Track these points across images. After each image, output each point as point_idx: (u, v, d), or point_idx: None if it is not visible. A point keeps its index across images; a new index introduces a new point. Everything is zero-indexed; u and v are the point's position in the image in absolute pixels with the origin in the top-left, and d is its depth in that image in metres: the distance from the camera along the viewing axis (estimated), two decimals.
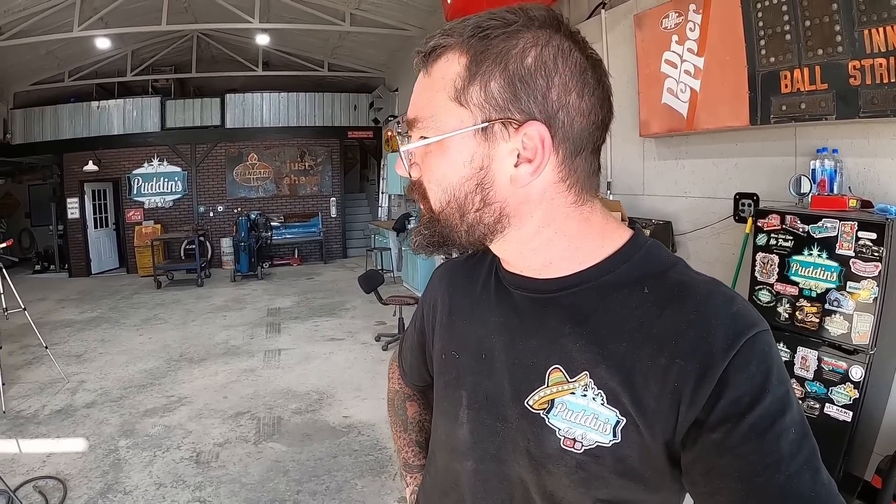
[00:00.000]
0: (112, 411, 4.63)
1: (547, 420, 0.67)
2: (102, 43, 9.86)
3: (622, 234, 0.71)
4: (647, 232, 3.92)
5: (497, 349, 0.74)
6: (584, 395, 0.65)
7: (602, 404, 0.64)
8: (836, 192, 2.82)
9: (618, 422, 0.63)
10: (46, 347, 5.41)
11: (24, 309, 5.21)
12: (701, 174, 3.85)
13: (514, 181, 0.64)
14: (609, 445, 0.63)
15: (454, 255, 0.80)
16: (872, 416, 2.64)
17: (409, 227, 9.33)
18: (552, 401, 0.67)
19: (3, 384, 4.83)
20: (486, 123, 0.62)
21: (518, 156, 0.63)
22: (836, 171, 2.85)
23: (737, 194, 3.50)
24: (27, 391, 5.16)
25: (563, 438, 0.66)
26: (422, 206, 0.71)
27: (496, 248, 0.72)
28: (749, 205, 3.42)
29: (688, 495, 0.67)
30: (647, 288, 0.65)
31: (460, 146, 0.64)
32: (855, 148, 2.87)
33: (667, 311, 0.63)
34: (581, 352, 0.66)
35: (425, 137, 0.65)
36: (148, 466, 3.64)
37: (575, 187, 0.66)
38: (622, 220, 3.98)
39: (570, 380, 0.66)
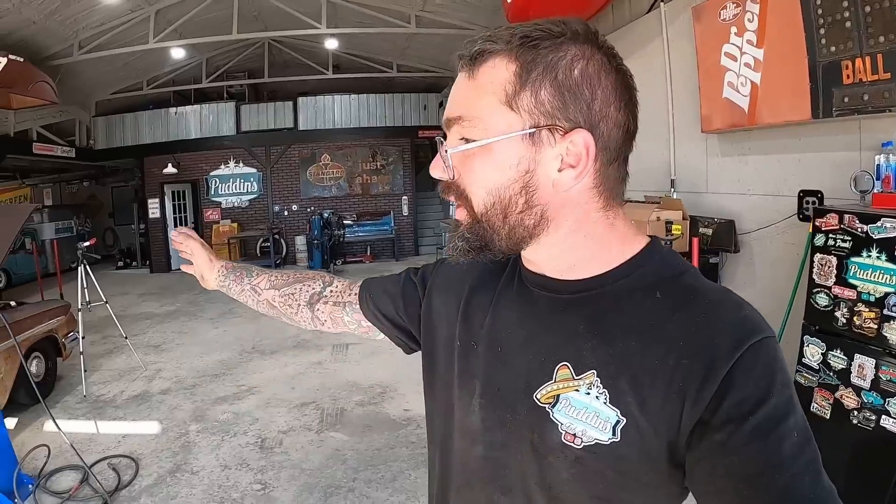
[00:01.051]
0: (185, 398, 4.98)
1: (551, 414, 0.70)
2: (177, 53, 10.51)
3: (640, 241, 0.74)
4: (710, 231, 3.83)
5: (513, 343, 0.77)
6: (588, 393, 0.67)
7: (605, 403, 0.66)
8: None
9: (618, 421, 0.65)
10: (126, 338, 5.85)
11: (106, 302, 5.68)
12: (764, 171, 3.70)
13: (556, 185, 0.67)
14: (608, 444, 0.65)
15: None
16: None
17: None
18: (557, 396, 0.70)
19: (85, 371, 5.28)
20: (535, 129, 0.65)
21: (561, 161, 0.66)
22: None
23: (801, 192, 3.33)
24: (107, 378, 5.61)
25: (564, 433, 0.68)
26: (459, 211, 0.73)
27: (528, 251, 0.74)
28: (813, 202, 3.26)
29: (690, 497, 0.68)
30: (660, 293, 0.68)
31: (508, 149, 0.66)
32: None
33: (677, 314, 0.65)
34: (591, 351, 0.68)
35: (467, 140, 0.68)
36: (215, 450, 3.91)
37: (605, 194, 0.69)
38: (683, 218, 3.90)
39: (575, 377, 0.69)
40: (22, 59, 7.76)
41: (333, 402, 4.75)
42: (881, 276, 2.35)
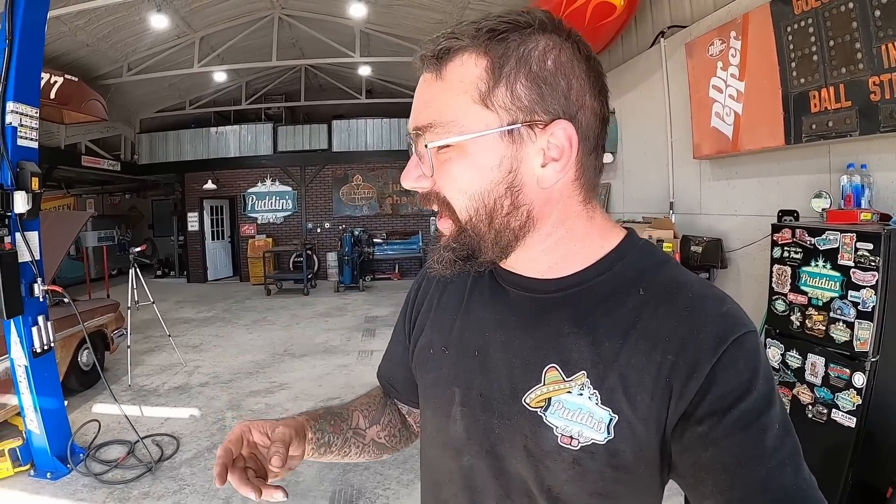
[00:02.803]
0: (222, 390, 5.45)
1: (544, 418, 0.68)
2: (219, 76, 11.31)
3: (618, 233, 0.74)
4: (700, 248, 4.13)
5: (492, 347, 0.75)
6: (581, 394, 0.66)
7: (597, 403, 0.65)
8: (862, 206, 2.93)
9: (612, 420, 0.65)
10: (170, 336, 6.37)
11: (153, 302, 6.22)
12: (749, 193, 4.00)
13: (540, 181, 0.65)
14: (604, 442, 0.65)
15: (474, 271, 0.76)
16: (894, 424, 2.70)
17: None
18: (549, 399, 0.69)
19: (130, 364, 5.81)
20: (515, 125, 0.63)
21: (544, 155, 0.64)
22: (862, 186, 2.96)
23: (779, 211, 3.62)
24: (150, 371, 6.14)
25: (560, 436, 0.67)
26: (441, 222, 0.70)
27: (512, 254, 0.70)
28: (791, 221, 3.54)
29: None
30: (643, 289, 0.68)
31: (487, 150, 0.63)
32: (883, 163, 2.98)
33: (660, 309, 0.66)
34: (579, 351, 0.67)
35: (448, 146, 0.65)
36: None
37: (585, 186, 0.69)
38: (674, 237, 4.21)
39: (566, 379, 0.68)
40: (76, 80, 8.44)
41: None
42: (827, 282, 2.64)
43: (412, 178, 0.69)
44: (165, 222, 15.41)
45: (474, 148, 0.63)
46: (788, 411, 2.81)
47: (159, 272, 14.75)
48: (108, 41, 8.79)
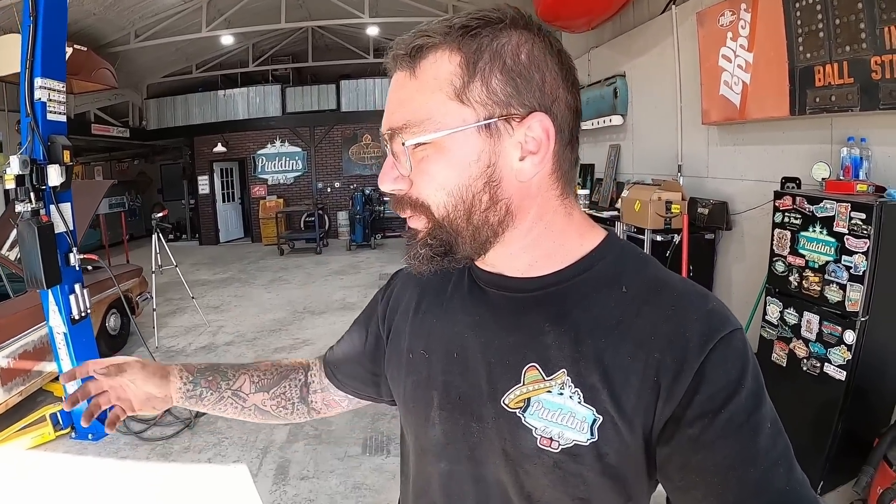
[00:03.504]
0: (248, 348, 5.79)
1: (523, 419, 0.67)
2: (227, 40, 11.38)
3: (598, 234, 0.73)
4: (706, 210, 4.36)
5: (471, 348, 0.74)
6: (561, 394, 0.65)
7: (579, 402, 0.64)
8: (861, 178, 3.15)
9: (595, 420, 0.63)
10: (193, 298, 6.68)
11: (176, 266, 6.49)
12: (754, 159, 4.20)
13: (518, 175, 0.64)
14: (587, 444, 0.64)
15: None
16: (882, 381, 2.95)
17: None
18: (528, 399, 0.67)
19: (156, 327, 6.12)
20: (492, 119, 0.62)
21: (521, 149, 0.64)
22: (861, 158, 3.16)
23: (783, 178, 3.83)
24: (175, 333, 6.46)
25: (539, 437, 0.66)
26: (414, 220, 0.69)
27: (491, 252, 0.70)
28: (793, 188, 3.76)
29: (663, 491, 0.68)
30: (626, 287, 0.67)
31: (465, 145, 0.63)
32: (882, 137, 3.16)
33: (644, 307, 0.65)
34: (559, 349, 0.66)
35: (423, 144, 0.64)
36: None
37: (562, 180, 0.68)
38: (682, 199, 4.44)
39: (546, 378, 0.66)
40: (85, 49, 8.46)
41: None
42: (823, 247, 2.90)
43: (390, 180, 0.67)
44: (175, 186, 15.65)
45: (452, 144, 0.63)
46: (785, 364, 3.13)
47: (171, 236, 15.04)
48: (115, 9, 8.82)
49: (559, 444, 0.65)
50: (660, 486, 0.68)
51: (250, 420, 1.02)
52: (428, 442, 0.78)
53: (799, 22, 3.44)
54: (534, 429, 0.66)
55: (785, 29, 3.53)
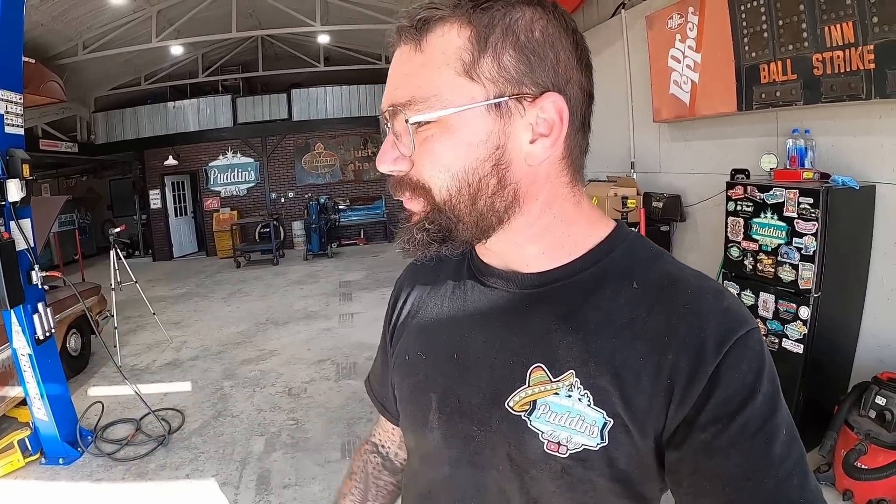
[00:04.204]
0: (214, 362, 5.70)
1: (529, 422, 0.64)
2: (176, 50, 11.15)
3: (607, 225, 0.70)
4: (661, 204, 4.55)
5: (473, 349, 0.71)
6: (569, 396, 0.62)
7: (589, 405, 0.61)
8: (806, 166, 3.37)
9: (605, 423, 0.61)
10: (154, 314, 6.51)
11: (136, 282, 6.33)
12: (704, 154, 4.43)
13: (528, 159, 0.61)
14: (597, 449, 0.61)
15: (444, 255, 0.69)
16: (837, 352, 3.18)
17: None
18: (534, 402, 0.64)
19: (119, 345, 5.93)
20: (503, 98, 0.58)
21: (532, 131, 0.60)
22: (805, 148, 3.38)
23: (732, 170, 4.04)
24: (137, 350, 6.27)
25: (546, 442, 0.63)
26: (412, 202, 0.64)
27: (495, 239, 0.65)
28: (741, 178, 3.98)
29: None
30: (637, 283, 0.64)
31: (473, 124, 0.59)
32: (824, 128, 3.37)
33: (657, 306, 0.62)
34: (567, 349, 0.63)
35: (420, 123, 0.59)
36: (249, 398, 4.65)
37: (571, 166, 0.65)
38: (637, 194, 4.62)
39: (553, 379, 0.63)
40: (34, 61, 8.17)
41: (346, 358, 5.50)
42: (774, 231, 3.10)
43: (389, 161, 0.63)
44: (125, 202, 15.13)
45: (459, 123, 0.58)
46: None
47: (124, 252, 14.52)
48: (62, 19, 8.55)
49: (567, 449, 0.62)
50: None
51: None
52: (428, 447, 0.75)
53: (744, 23, 3.65)
54: (540, 433, 0.63)
55: (731, 30, 3.74)
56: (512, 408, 0.65)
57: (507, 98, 0.58)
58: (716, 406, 0.56)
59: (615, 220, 0.72)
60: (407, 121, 0.59)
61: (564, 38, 0.61)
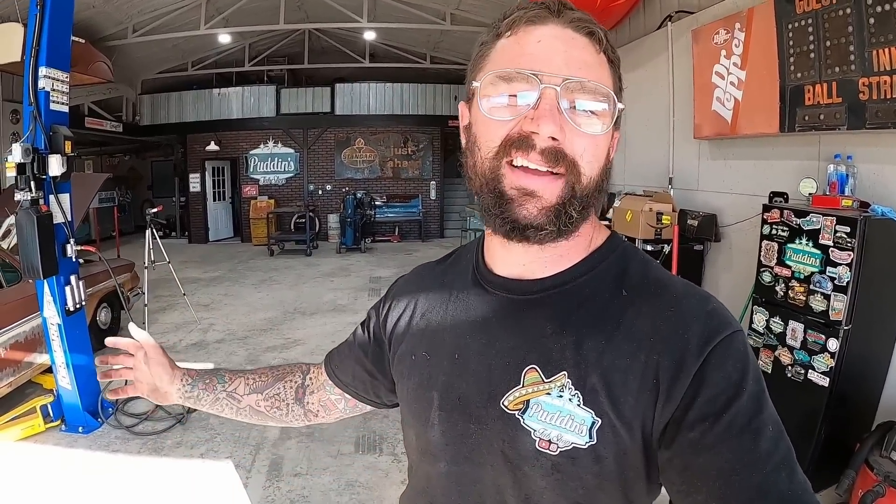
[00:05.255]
0: (239, 346, 5.80)
1: (522, 421, 0.67)
2: (224, 38, 11.40)
3: (603, 232, 0.76)
4: (696, 222, 4.47)
5: (473, 350, 0.74)
6: (561, 396, 0.65)
7: (578, 405, 0.64)
8: (846, 193, 3.26)
9: (593, 423, 0.63)
10: (185, 294, 6.68)
11: (169, 262, 6.50)
12: (743, 174, 4.32)
13: (610, 165, 0.71)
14: (585, 447, 0.64)
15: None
16: (864, 387, 3.06)
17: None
18: (527, 401, 0.67)
19: (147, 323, 6.11)
20: (619, 115, 0.68)
21: (613, 142, 0.71)
22: (847, 175, 3.28)
23: (771, 192, 3.94)
24: (165, 329, 6.43)
25: (538, 440, 0.66)
26: (551, 183, 0.65)
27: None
28: (781, 202, 3.87)
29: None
30: (626, 290, 0.69)
31: (610, 131, 0.68)
32: (867, 155, 3.27)
33: (644, 309, 0.66)
34: (560, 351, 0.67)
35: (592, 112, 0.66)
36: None
37: None
38: (672, 210, 4.54)
39: (545, 380, 0.67)
40: (83, 41, 8.39)
41: None
42: (808, 258, 3.01)
43: (557, 126, 0.63)
44: (165, 183, 15.53)
45: (610, 125, 0.66)
46: (771, 371, 3.22)
47: (161, 233, 14.94)
48: (114, 2, 8.78)
49: (557, 447, 0.65)
50: (663, 490, 0.68)
51: (247, 420, 1.06)
52: (428, 442, 0.79)
53: (791, 43, 3.56)
54: (532, 431, 0.67)
55: (777, 49, 3.65)
56: (507, 407, 0.69)
57: (621, 115, 0.68)
58: (703, 405, 0.59)
59: (609, 228, 0.78)
60: (615, 104, 0.67)
61: None
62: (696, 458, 0.59)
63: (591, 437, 0.63)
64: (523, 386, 0.68)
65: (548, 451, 0.65)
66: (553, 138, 0.63)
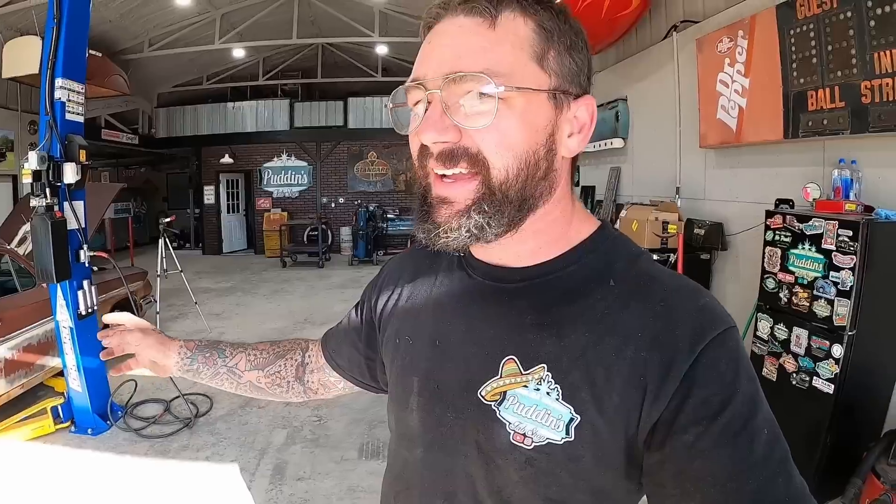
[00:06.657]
0: None
1: (497, 412, 0.66)
2: (238, 53, 11.70)
3: (592, 223, 0.72)
4: (702, 231, 4.45)
5: (453, 338, 0.73)
6: (538, 390, 0.63)
7: (557, 399, 0.62)
8: (851, 198, 3.24)
9: (571, 419, 0.61)
10: (196, 304, 6.75)
11: (181, 271, 6.58)
12: (749, 181, 4.30)
13: (565, 150, 0.66)
14: (561, 443, 0.62)
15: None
16: (870, 395, 3.02)
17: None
18: (504, 393, 0.66)
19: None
20: (561, 90, 0.63)
21: (571, 126, 0.66)
22: (851, 179, 3.25)
23: (777, 200, 3.92)
24: (176, 337, 6.45)
25: (513, 433, 0.64)
26: (460, 186, 0.63)
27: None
28: (787, 209, 3.85)
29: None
30: (613, 280, 0.65)
31: (538, 109, 0.62)
32: (871, 159, 3.25)
33: (632, 302, 0.63)
34: (540, 344, 0.65)
35: (484, 95, 0.60)
36: None
37: (573, 166, 0.70)
38: (679, 219, 4.53)
39: (523, 372, 0.65)
40: (100, 55, 8.60)
41: None
42: (812, 263, 2.98)
43: (439, 129, 0.61)
44: (180, 195, 15.83)
45: (527, 105, 0.61)
46: (775, 379, 3.19)
47: (175, 243, 15.18)
48: (130, 17, 9.04)
49: (532, 441, 0.63)
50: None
51: (246, 395, 1.08)
52: (406, 427, 0.78)
53: (793, 48, 3.56)
54: (508, 423, 0.65)
55: (780, 55, 3.65)
56: (483, 397, 0.67)
57: (562, 91, 0.64)
58: (695, 407, 0.56)
59: (600, 219, 0.74)
60: (483, 92, 0.60)
61: (589, 52, 0.67)
62: (691, 463, 0.56)
63: (567, 433, 0.61)
64: (501, 377, 0.66)
65: (522, 444, 0.64)
66: (443, 141, 0.62)
